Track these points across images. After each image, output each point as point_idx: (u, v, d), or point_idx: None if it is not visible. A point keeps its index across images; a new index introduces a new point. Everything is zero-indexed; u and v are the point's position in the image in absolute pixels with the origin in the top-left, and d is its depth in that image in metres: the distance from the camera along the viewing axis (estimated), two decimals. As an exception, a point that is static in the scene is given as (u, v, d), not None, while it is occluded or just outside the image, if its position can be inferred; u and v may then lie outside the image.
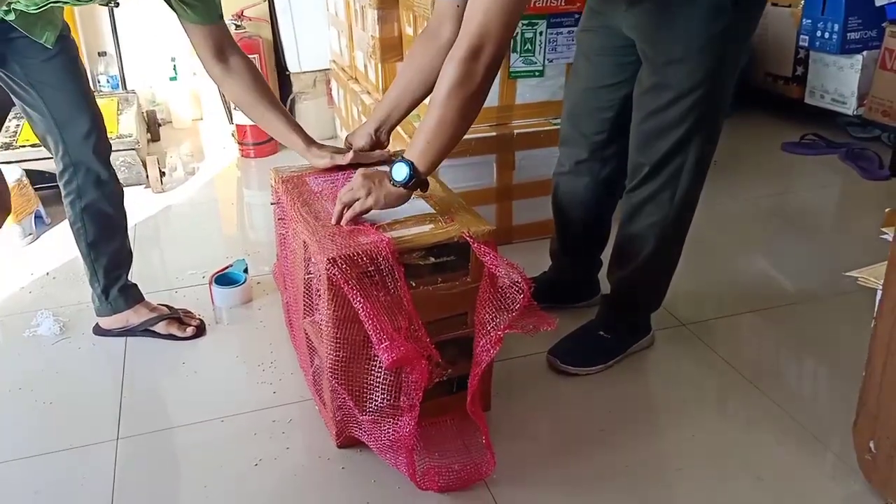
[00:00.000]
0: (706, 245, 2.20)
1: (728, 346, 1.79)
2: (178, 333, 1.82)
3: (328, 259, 1.25)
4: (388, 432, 1.31)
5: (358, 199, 1.37)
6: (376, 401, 1.34)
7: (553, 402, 1.61)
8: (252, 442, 1.49)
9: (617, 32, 1.53)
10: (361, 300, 1.23)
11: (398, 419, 1.30)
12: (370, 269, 1.27)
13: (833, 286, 2.00)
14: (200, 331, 1.86)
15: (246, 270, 2.04)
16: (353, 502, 1.35)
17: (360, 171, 1.40)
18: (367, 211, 1.37)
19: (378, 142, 1.63)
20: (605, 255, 1.82)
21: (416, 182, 1.37)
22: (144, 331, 1.82)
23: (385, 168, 1.41)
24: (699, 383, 1.68)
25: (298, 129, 1.62)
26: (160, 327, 1.82)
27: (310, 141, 1.62)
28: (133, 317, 1.82)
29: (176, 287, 2.09)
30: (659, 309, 1.75)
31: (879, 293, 1.28)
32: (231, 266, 2.07)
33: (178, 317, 1.84)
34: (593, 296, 1.90)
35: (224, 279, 2.02)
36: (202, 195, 2.84)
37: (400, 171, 1.36)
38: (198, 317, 1.89)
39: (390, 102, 1.61)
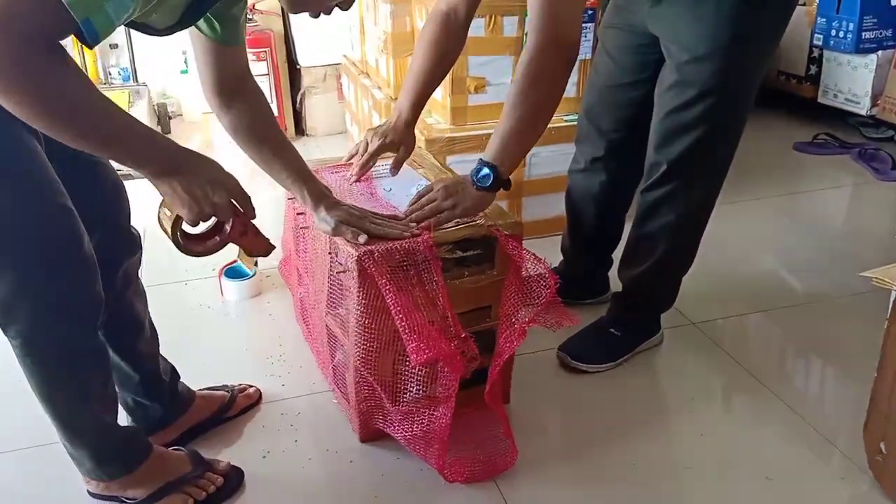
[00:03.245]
0: (716, 244, 2.18)
1: (737, 346, 1.78)
2: None
3: (364, 251, 1.25)
4: (423, 423, 1.31)
5: (444, 211, 1.33)
6: (411, 391, 1.33)
7: (563, 398, 1.61)
8: (260, 435, 1.50)
9: (641, 29, 1.51)
10: (394, 295, 1.23)
11: (433, 410, 1.29)
12: (405, 262, 1.27)
13: (845, 287, 1.98)
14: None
15: (256, 263, 2.05)
16: (362, 495, 1.35)
17: (439, 184, 1.36)
18: (452, 219, 1.34)
19: (391, 143, 1.54)
20: (616, 253, 1.81)
21: (500, 183, 1.35)
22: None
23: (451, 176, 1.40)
24: (708, 382, 1.67)
25: (308, 180, 1.35)
26: None
27: (320, 196, 1.34)
28: None
29: (185, 280, 2.09)
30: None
31: (894, 294, 1.27)
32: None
33: None
34: (603, 293, 1.90)
35: (233, 272, 2.02)
36: (212, 188, 2.83)
37: (483, 175, 1.33)
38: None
39: (415, 94, 1.53)
